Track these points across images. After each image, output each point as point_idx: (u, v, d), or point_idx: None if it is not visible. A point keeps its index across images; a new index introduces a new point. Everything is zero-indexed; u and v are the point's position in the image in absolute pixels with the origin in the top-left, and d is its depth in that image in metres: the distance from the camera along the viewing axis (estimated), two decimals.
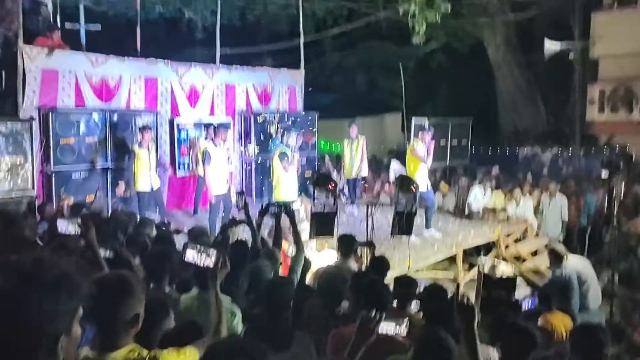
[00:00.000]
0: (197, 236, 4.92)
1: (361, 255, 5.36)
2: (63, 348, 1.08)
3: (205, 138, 9.05)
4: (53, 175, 7.80)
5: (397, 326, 2.13)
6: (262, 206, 5.17)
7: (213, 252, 2.31)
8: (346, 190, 10.36)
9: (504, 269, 6.23)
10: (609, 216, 9.59)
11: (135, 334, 1.96)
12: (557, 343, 4.35)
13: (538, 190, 10.64)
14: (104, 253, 3.09)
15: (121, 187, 7.97)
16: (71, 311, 1.12)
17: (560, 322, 4.72)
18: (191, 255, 2.31)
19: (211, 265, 2.29)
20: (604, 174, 9.74)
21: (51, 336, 1.07)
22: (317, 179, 6.69)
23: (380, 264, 4.85)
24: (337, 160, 12.26)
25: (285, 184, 8.09)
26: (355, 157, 9.68)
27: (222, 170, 8.14)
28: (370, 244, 5.72)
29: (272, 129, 10.48)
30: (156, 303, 2.35)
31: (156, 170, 8.13)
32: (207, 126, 9.23)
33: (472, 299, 2.20)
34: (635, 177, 10.59)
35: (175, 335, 2.16)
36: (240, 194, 5.85)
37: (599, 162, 11.72)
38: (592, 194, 10.28)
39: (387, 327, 2.12)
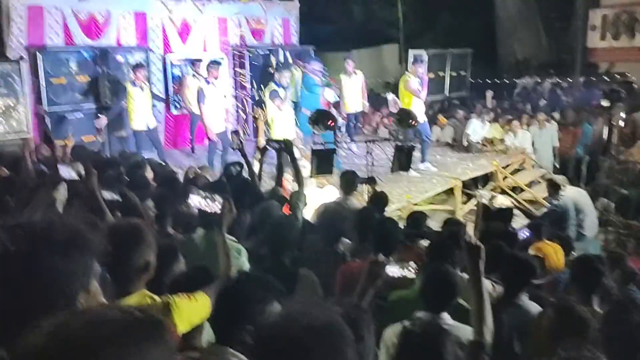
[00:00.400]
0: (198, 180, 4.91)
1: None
2: (83, 304, 1.08)
3: (194, 75, 8.80)
4: (47, 116, 7.69)
5: (404, 269, 2.15)
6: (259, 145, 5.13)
7: (219, 198, 2.29)
8: (344, 127, 10.21)
9: (502, 201, 6.30)
10: (607, 145, 9.63)
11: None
12: (548, 272, 4.45)
13: (535, 121, 10.59)
14: (109, 196, 3.08)
15: (102, 121, 7.62)
16: (85, 269, 1.12)
17: (552, 251, 4.81)
18: (196, 201, 2.29)
19: (217, 211, 2.28)
20: (604, 102, 9.67)
21: (69, 295, 1.07)
22: (315, 116, 6.56)
23: (380, 200, 4.91)
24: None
25: (280, 123, 7.82)
26: (353, 92, 9.48)
27: (218, 108, 8.00)
28: (371, 180, 5.75)
29: (267, 65, 10.20)
30: (166, 248, 2.36)
31: (152, 109, 8.00)
32: (196, 63, 8.98)
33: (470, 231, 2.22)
34: (634, 105, 10.50)
35: (185, 281, 2.19)
36: (235, 132, 5.78)
37: (599, 91, 11.60)
38: (590, 123, 10.24)
39: (393, 270, 2.15)
